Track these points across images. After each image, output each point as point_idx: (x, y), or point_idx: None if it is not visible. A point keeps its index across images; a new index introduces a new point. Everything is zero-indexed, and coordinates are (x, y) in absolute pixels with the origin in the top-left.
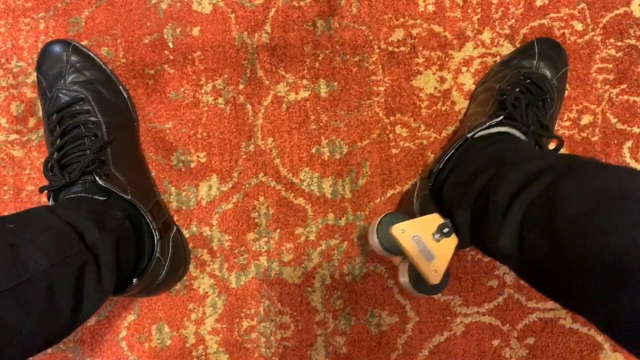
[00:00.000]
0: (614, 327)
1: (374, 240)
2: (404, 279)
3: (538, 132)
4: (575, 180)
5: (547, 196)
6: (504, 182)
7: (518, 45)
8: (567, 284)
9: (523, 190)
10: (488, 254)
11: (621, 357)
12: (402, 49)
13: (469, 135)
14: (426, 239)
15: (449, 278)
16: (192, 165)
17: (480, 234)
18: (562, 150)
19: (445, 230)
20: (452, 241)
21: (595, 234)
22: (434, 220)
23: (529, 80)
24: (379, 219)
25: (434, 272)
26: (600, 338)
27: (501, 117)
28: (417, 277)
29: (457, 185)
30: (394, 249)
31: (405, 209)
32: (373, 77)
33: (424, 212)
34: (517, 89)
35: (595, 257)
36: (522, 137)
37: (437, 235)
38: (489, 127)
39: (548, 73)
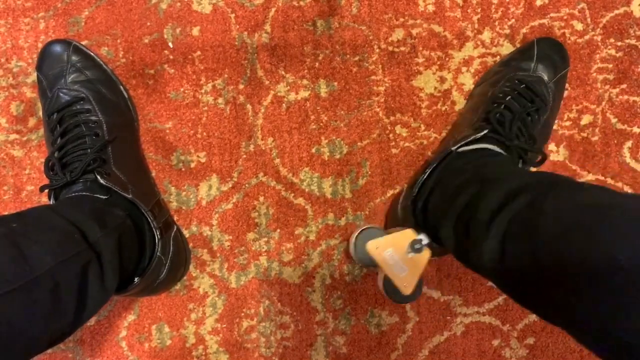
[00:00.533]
0: (596, 343)
1: (352, 254)
2: (380, 287)
3: (522, 146)
4: (556, 199)
5: (528, 213)
6: (485, 200)
7: (518, 46)
8: (548, 299)
9: (504, 207)
10: (471, 268)
11: None
12: (402, 48)
13: (452, 149)
14: (399, 254)
15: (421, 289)
16: (192, 165)
17: (464, 249)
18: (563, 151)
19: (417, 246)
20: (424, 256)
21: (576, 250)
22: (408, 236)
23: (523, 85)
24: (356, 234)
25: (405, 285)
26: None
27: (485, 132)
28: (391, 286)
29: (442, 199)
30: (371, 262)
31: (392, 215)
32: (373, 77)
33: (405, 221)
34: (509, 97)
35: (575, 272)
36: (503, 152)
37: (409, 251)
38: (472, 143)
39: (545, 76)
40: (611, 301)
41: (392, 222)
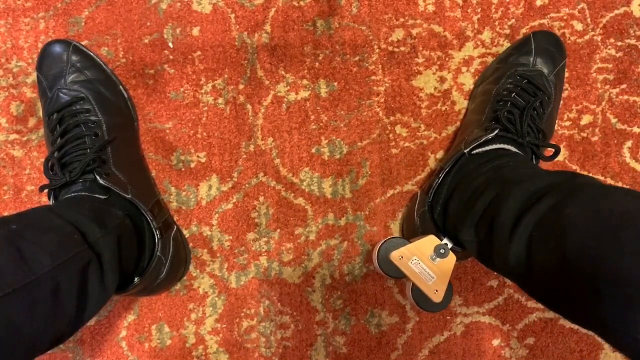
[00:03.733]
0: (628, 347)
1: (375, 266)
2: (409, 297)
3: (534, 142)
4: (582, 204)
5: (554, 219)
6: (507, 203)
7: None
8: (579, 305)
9: (527, 210)
10: (496, 271)
11: (621, 357)
12: (402, 48)
13: (465, 151)
14: (424, 261)
15: (451, 294)
16: (192, 165)
17: (487, 253)
18: (563, 150)
19: (442, 251)
20: (450, 260)
21: (607, 258)
22: (431, 242)
23: (525, 81)
24: (379, 246)
25: (435, 291)
26: (600, 338)
27: (496, 132)
28: (420, 295)
29: (461, 203)
30: (396, 272)
31: (409, 223)
32: (373, 77)
33: (423, 227)
34: (513, 94)
35: (607, 281)
36: (518, 151)
37: (434, 257)
38: (485, 144)
39: (545, 70)
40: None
41: (409, 231)
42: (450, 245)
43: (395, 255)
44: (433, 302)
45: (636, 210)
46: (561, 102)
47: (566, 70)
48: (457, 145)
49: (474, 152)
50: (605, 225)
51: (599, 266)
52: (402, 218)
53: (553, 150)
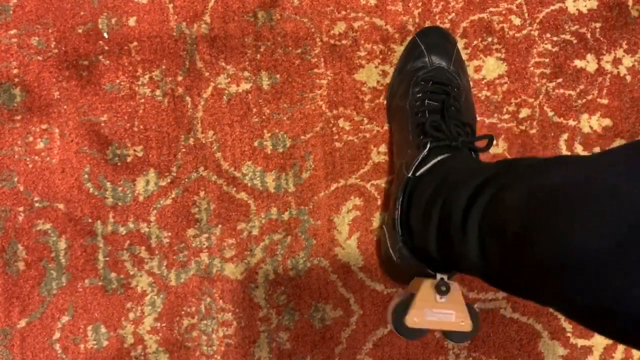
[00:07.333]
0: (583, 319)
1: (401, 335)
2: (446, 340)
3: (467, 140)
4: (517, 187)
5: (494, 207)
6: (456, 203)
7: (459, 41)
8: (536, 289)
9: (472, 205)
10: (469, 273)
11: (558, 344)
12: (344, 42)
13: (410, 175)
14: (435, 307)
15: (476, 313)
16: (129, 159)
17: (454, 258)
18: (502, 143)
19: (443, 288)
20: (455, 289)
21: (538, 243)
22: (429, 286)
23: (430, 83)
24: (391, 316)
25: (462, 323)
26: (539, 327)
27: (429, 146)
28: (452, 333)
29: (418, 220)
30: (420, 333)
31: (387, 263)
32: (315, 70)
33: (406, 262)
34: (426, 100)
35: (544, 265)
36: (456, 154)
37: (440, 298)
38: (423, 162)
39: (444, 63)
40: (580, 277)
41: (394, 272)
42: (446, 276)
43: (410, 321)
44: (465, 332)
45: (563, 181)
46: (471, 84)
47: (505, 63)
48: (399, 170)
49: (418, 172)
50: (534, 202)
51: (533, 244)
52: (379, 258)
53: (487, 140)
